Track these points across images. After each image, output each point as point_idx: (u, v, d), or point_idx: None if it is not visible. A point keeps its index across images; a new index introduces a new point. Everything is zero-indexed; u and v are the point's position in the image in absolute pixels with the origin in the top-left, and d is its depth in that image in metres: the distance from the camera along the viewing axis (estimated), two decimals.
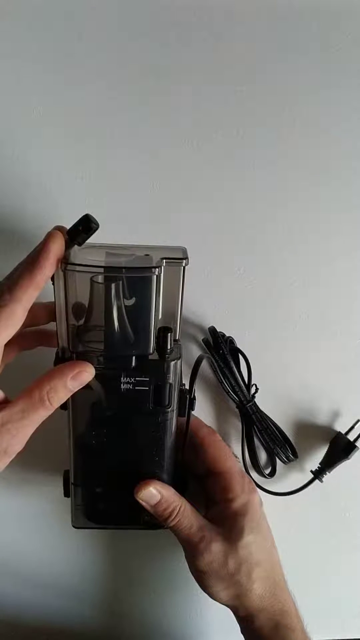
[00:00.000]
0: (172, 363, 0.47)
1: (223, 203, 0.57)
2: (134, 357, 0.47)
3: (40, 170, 0.56)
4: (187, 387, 0.51)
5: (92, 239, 0.42)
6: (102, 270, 0.44)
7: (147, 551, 0.65)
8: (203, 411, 0.61)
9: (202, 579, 0.52)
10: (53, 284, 0.44)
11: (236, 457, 0.58)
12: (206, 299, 0.59)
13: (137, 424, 0.49)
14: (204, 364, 0.59)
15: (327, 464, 0.60)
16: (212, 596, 0.52)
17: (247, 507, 0.52)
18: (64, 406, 0.46)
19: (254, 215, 0.58)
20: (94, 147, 0.56)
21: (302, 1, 0.53)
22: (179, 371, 0.49)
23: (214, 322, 0.59)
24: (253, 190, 0.57)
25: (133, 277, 0.44)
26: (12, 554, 0.65)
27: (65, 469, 0.53)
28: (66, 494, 0.53)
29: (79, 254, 0.44)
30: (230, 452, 0.57)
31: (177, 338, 0.50)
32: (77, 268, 0.42)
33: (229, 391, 0.59)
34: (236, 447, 0.61)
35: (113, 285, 0.44)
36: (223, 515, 0.53)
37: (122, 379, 0.46)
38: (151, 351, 0.47)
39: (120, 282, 0.44)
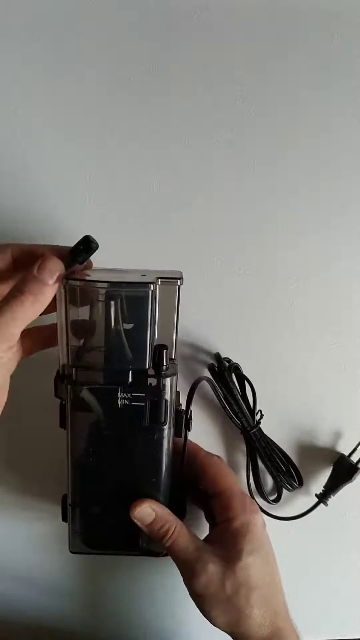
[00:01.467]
0: (168, 379, 0.48)
1: (223, 203, 0.57)
2: (130, 372, 0.47)
3: (39, 171, 0.55)
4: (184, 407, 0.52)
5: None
6: (103, 284, 0.45)
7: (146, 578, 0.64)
8: (207, 433, 0.60)
9: (199, 602, 0.49)
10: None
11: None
12: (206, 298, 0.58)
13: (133, 442, 0.49)
14: (208, 387, 0.58)
15: (331, 487, 0.59)
16: (211, 621, 0.49)
17: (247, 528, 0.49)
18: (63, 425, 0.49)
19: (254, 215, 0.57)
20: (93, 147, 0.55)
21: (302, 1, 0.53)
22: (174, 388, 0.49)
23: (214, 321, 0.59)
24: (253, 190, 0.57)
25: (130, 292, 0.45)
26: (8, 577, 0.64)
27: (64, 492, 0.52)
28: (64, 518, 0.52)
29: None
30: (231, 471, 0.55)
31: (173, 357, 0.51)
32: (78, 283, 0.44)
33: (232, 417, 0.57)
34: (241, 472, 0.60)
35: (112, 303, 0.45)
36: (222, 536, 0.50)
37: (119, 394, 0.47)
38: (147, 367, 0.47)
39: (119, 299, 0.45)
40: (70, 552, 0.52)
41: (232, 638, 0.51)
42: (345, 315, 0.59)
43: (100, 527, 0.52)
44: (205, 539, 0.51)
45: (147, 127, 0.55)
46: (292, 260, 0.58)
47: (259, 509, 0.52)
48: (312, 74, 0.55)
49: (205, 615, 0.49)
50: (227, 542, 0.49)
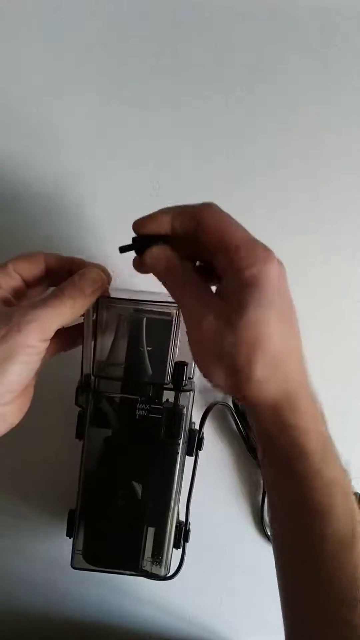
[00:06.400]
0: (185, 394, 0.50)
1: (223, 203, 0.54)
2: (151, 386, 0.49)
3: (40, 172, 0.55)
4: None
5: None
6: (131, 306, 0.48)
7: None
8: (226, 452, 0.61)
9: (197, 356, 0.41)
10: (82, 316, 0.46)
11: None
12: None
13: (147, 455, 0.50)
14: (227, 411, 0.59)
15: None
16: (208, 377, 0.41)
17: (256, 279, 0.38)
18: (79, 436, 0.50)
19: (254, 215, 0.54)
20: (93, 148, 0.55)
21: (302, 1, 0.54)
22: (191, 405, 0.51)
23: None
24: (253, 190, 0.57)
25: (155, 312, 0.48)
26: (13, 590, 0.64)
27: (71, 508, 0.52)
28: (69, 534, 0.52)
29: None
30: (231, 220, 0.42)
31: (191, 376, 0.52)
32: (111, 301, 0.47)
33: (249, 450, 0.59)
34: (256, 502, 0.61)
35: (137, 323, 0.49)
36: (229, 291, 0.40)
37: (138, 405, 0.49)
38: (167, 382, 0.49)
39: (145, 317, 0.49)
40: (73, 567, 0.52)
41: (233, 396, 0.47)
42: None
43: (105, 544, 0.52)
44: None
45: (147, 128, 0.55)
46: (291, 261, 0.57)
47: (274, 258, 0.40)
48: (312, 74, 0.55)
49: (202, 371, 0.41)
50: (234, 297, 0.39)
